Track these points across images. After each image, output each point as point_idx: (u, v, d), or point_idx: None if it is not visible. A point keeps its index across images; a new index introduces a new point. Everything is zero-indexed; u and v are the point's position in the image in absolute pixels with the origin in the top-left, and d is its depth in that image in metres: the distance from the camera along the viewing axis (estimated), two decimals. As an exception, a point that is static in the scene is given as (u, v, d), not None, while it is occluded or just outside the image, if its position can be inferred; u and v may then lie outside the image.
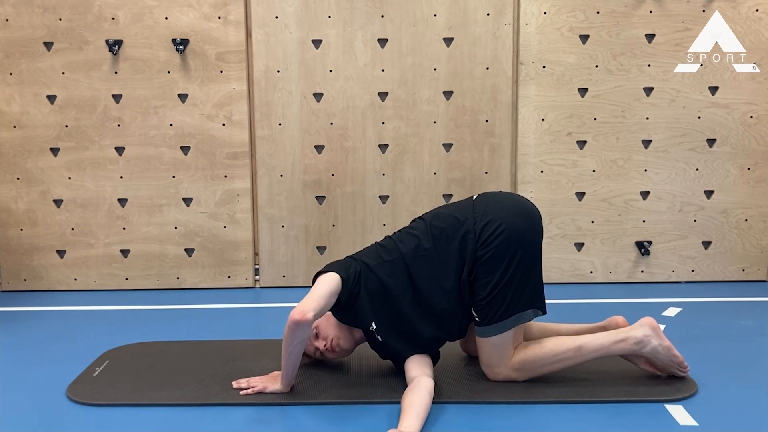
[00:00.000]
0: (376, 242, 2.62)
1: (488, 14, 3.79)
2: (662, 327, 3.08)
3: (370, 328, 2.50)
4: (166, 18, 3.78)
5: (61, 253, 3.95)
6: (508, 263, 2.41)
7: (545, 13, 3.79)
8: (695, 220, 3.94)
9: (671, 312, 3.41)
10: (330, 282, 2.42)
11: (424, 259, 2.48)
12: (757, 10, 3.77)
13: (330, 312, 2.53)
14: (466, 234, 2.46)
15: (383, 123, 3.86)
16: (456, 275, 2.46)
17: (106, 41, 3.78)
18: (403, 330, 2.50)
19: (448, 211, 2.56)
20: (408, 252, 2.49)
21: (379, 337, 2.51)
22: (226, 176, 3.90)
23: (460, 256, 2.46)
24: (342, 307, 2.48)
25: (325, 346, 2.56)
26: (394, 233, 2.62)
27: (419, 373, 2.41)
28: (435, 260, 2.47)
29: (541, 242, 2.51)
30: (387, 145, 3.88)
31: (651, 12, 3.79)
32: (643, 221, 3.94)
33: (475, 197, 2.58)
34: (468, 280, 2.45)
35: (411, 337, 2.51)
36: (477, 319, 2.46)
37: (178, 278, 3.97)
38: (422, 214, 2.64)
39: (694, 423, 2.24)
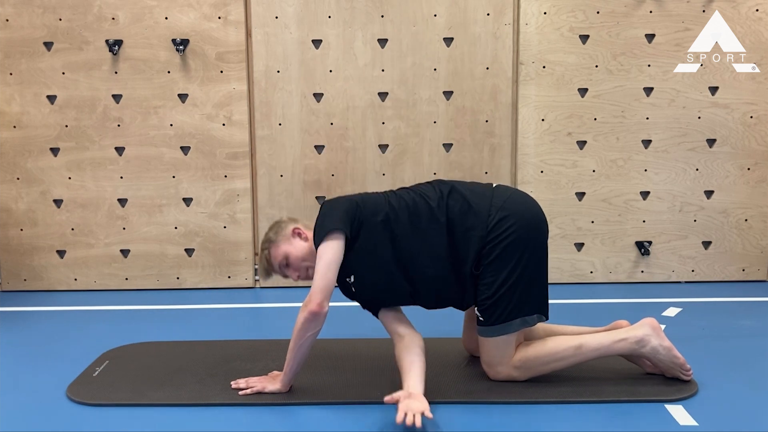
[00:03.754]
0: (385, 195, 2.53)
1: (488, 14, 3.79)
2: (662, 327, 3.08)
3: (348, 280, 2.48)
4: (166, 18, 3.78)
5: (61, 253, 3.95)
6: (516, 264, 2.40)
7: (545, 13, 3.79)
8: (695, 220, 3.94)
9: (671, 312, 3.41)
10: (337, 253, 2.37)
11: (430, 233, 2.43)
12: (757, 10, 3.77)
13: (304, 242, 2.51)
14: (477, 221, 2.42)
15: (383, 123, 3.86)
16: (458, 258, 2.43)
17: (106, 41, 3.78)
18: (384, 289, 2.48)
19: (466, 193, 2.49)
20: (415, 222, 2.44)
21: (354, 289, 2.49)
22: (226, 176, 3.90)
23: (465, 243, 2.42)
24: None
25: (297, 276, 2.54)
26: (407, 193, 2.52)
27: (407, 330, 2.43)
28: (441, 238, 2.43)
29: (547, 246, 2.51)
30: (387, 145, 3.88)
31: (651, 12, 3.79)
32: (643, 221, 3.94)
33: (495, 186, 2.54)
34: (475, 273, 2.44)
35: (386, 296, 2.49)
36: (481, 318, 2.45)
37: (178, 278, 3.97)
38: (440, 182, 2.56)
39: (694, 423, 2.24)
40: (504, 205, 2.44)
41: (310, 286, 2.38)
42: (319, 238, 2.40)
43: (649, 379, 2.53)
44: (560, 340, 2.50)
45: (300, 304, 2.37)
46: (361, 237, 2.43)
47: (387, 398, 2.20)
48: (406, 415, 2.11)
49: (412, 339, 2.40)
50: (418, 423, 2.10)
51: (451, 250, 2.43)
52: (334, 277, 2.37)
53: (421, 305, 2.56)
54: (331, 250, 2.37)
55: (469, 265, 2.42)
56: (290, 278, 2.58)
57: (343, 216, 2.42)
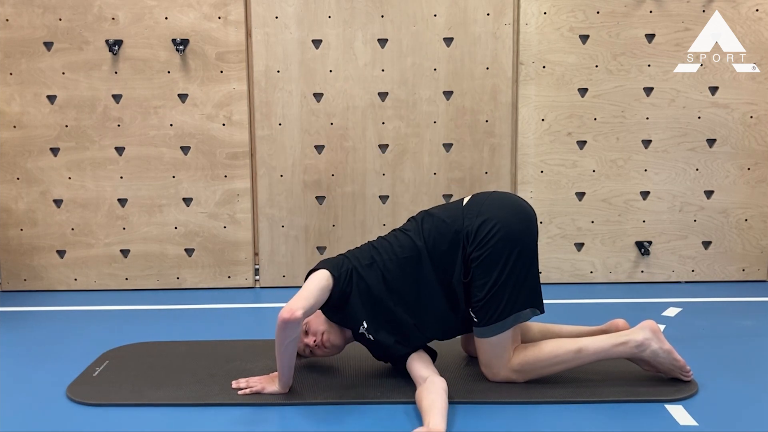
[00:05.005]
0: (369, 242, 2.62)
1: (488, 14, 3.79)
2: (662, 327, 3.08)
3: (361, 329, 2.51)
4: (166, 18, 3.78)
5: (61, 253, 3.95)
6: (505, 263, 2.41)
7: (545, 13, 3.79)
8: (695, 220, 3.94)
9: (671, 312, 3.41)
10: (320, 279, 2.43)
11: (414, 261, 2.48)
12: (757, 10, 3.77)
13: (320, 310, 2.54)
14: (456, 236, 2.46)
15: (383, 123, 3.86)
16: (447, 277, 2.47)
17: (106, 41, 3.78)
18: (394, 330, 2.50)
19: (438, 212, 2.56)
20: (399, 253, 2.50)
21: (371, 337, 2.51)
22: (226, 176, 3.90)
23: (450, 258, 2.46)
24: (333, 307, 2.48)
25: (315, 342, 2.55)
26: (389, 233, 2.62)
27: (430, 372, 2.42)
28: (425, 262, 2.47)
29: (537, 241, 2.51)
30: (387, 145, 3.88)
31: (651, 12, 3.79)
32: (643, 221, 3.94)
33: (465, 201, 2.57)
34: (464, 282, 2.46)
35: (402, 337, 2.51)
36: (475, 320, 2.46)
37: (178, 278, 3.97)
38: (415, 214, 2.65)
39: (694, 423, 2.24)
40: (481, 211, 2.47)
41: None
42: (314, 269, 2.51)
43: (649, 379, 2.53)
44: (559, 344, 2.50)
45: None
46: (355, 284, 2.48)
47: None
48: None
49: (434, 381, 2.35)
50: None
51: (436, 271, 2.47)
52: (315, 293, 2.40)
53: (432, 336, 2.58)
54: (317, 277, 2.45)
55: (456, 277, 2.45)
56: (313, 352, 2.61)
57: (331, 265, 2.50)
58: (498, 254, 2.41)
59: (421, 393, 2.32)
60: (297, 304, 2.33)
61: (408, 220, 2.64)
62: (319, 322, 2.57)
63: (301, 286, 3.99)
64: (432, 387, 2.31)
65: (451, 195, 3.91)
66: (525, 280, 2.45)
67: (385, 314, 2.49)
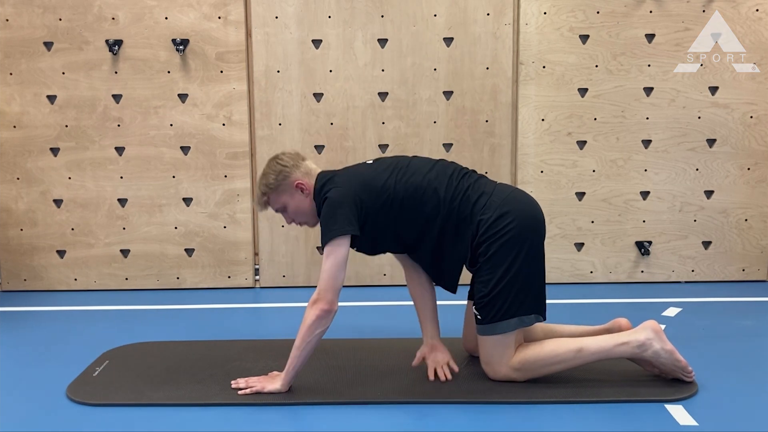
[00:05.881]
0: (386, 177, 2.52)
1: (488, 14, 3.79)
2: (662, 327, 3.08)
3: (354, 248, 2.57)
4: (166, 18, 3.78)
5: (61, 253, 3.95)
6: (512, 262, 2.41)
7: (545, 13, 3.79)
8: (695, 220, 3.94)
9: (671, 312, 3.41)
10: (344, 253, 2.40)
11: (429, 220, 2.49)
12: (757, 10, 3.77)
13: (305, 198, 2.55)
14: (472, 216, 2.46)
15: (383, 123, 3.86)
16: (445, 239, 2.51)
17: (106, 41, 3.78)
18: (382, 250, 2.64)
19: (475, 182, 2.53)
20: (417, 207, 2.48)
21: (357, 251, 2.62)
22: (226, 176, 3.90)
23: (458, 231, 2.47)
24: None
25: (291, 221, 2.63)
26: (414, 173, 2.53)
27: (418, 273, 2.65)
28: (438, 222, 2.48)
29: (544, 245, 2.51)
30: (387, 145, 3.88)
31: (651, 12, 3.79)
32: (643, 221, 3.94)
33: (498, 183, 2.56)
34: (471, 270, 2.48)
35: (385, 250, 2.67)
36: (479, 317, 2.46)
37: (178, 278, 3.97)
38: (454, 165, 2.60)
39: (694, 423, 2.24)
40: (503, 203, 2.46)
41: (313, 280, 2.38)
42: (327, 238, 2.42)
43: (649, 379, 2.53)
44: (560, 343, 2.49)
45: (301, 304, 2.38)
46: (367, 229, 2.50)
47: (415, 363, 2.60)
48: (436, 371, 2.54)
49: (426, 283, 2.65)
50: (449, 376, 2.53)
51: (441, 231, 2.49)
52: (343, 276, 2.41)
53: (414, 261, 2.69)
54: (340, 251, 2.40)
55: (459, 252, 2.50)
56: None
57: (350, 216, 2.43)
58: (507, 251, 2.41)
59: (414, 288, 2.67)
60: (332, 295, 2.37)
61: (441, 162, 2.59)
62: (299, 211, 2.58)
63: (300, 286, 4.00)
64: (423, 281, 2.64)
65: (451, 195, 3.91)
66: (532, 284, 2.45)
67: (381, 248, 2.61)
